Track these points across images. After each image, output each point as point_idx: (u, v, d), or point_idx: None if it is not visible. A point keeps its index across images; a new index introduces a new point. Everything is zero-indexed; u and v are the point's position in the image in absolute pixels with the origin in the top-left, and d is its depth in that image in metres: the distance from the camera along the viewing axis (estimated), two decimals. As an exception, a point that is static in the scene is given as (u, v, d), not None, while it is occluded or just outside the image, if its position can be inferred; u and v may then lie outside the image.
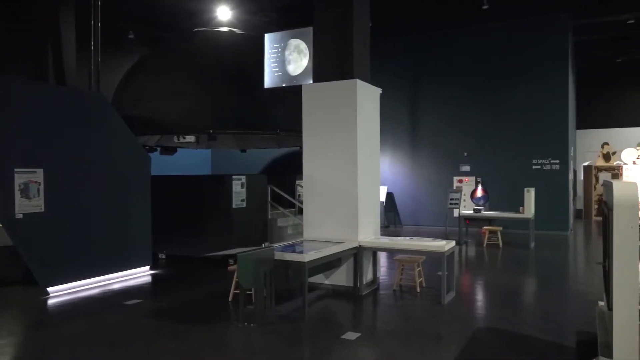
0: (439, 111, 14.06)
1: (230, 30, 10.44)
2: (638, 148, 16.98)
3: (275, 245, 5.97)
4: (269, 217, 9.55)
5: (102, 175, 7.20)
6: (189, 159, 13.92)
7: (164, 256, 9.10)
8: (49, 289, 6.46)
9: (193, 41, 10.00)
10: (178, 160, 12.40)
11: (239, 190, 8.82)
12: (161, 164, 10.66)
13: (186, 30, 10.84)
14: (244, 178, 8.98)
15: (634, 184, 2.92)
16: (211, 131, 8.99)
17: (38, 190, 6.34)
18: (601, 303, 4.65)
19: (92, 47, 7.83)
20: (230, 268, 6.40)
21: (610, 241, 3.00)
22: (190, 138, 9.14)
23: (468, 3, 11.93)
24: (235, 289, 6.06)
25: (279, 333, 4.89)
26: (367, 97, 6.77)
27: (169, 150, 10.45)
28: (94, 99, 7.41)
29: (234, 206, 8.70)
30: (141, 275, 7.70)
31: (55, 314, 5.74)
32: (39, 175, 6.35)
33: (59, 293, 6.51)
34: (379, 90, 7.17)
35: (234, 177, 8.78)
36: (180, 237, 9.01)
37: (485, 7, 11.47)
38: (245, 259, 5.03)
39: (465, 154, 13.63)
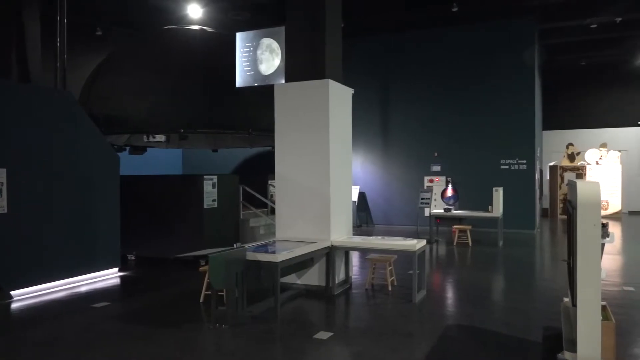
0: (410, 112, 14.22)
1: (202, 29, 10.32)
2: (601, 148, 17.54)
3: (247, 245, 5.93)
4: (241, 217, 9.48)
5: (69, 175, 7.02)
6: (160, 158, 13.70)
7: (133, 257, 8.94)
8: (13, 293, 6.26)
9: (163, 39, 9.85)
10: (148, 160, 12.19)
11: (210, 190, 8.73)
12: (130, 164, 10.45)
13: (156, 27, 10.67)
14: (215, 178, 8.89)
15: (597, 184, 3.01)
16: (182, 130, 8.87)
17: (1, 190, 6.14)
18: (566, 299, 4.78)
19: (58, 44, 7.62)
20: (201, 269, 6.33)
21: (575, 239, 3.09)
22: (161, 137, 9.00)
23: (438, 5, 12.11)
24: (207, 289, 5.99)
25: (251, 334, 4.86)
26: (339, 97, 6.79)
27: (139, 149, 10.26)
28: (60, 97, 7.21)
29: (205, 206, 8.60)
30: (109, 277, 7.54)
31: (19, 318, 5.57)
32: (1, 175, 6.15)
33: (23, 297, 6.32)
34: (351, 91, 7.20)
35: (205, 177, 8.69)
36: (150, 238, 8.87)
37: (454, 9, 11.68)
38: (217, 260, 4.98)
39: (436, 154, 13.83)
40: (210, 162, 14.01)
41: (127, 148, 10.36)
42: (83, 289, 6.82)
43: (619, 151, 17.66)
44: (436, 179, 13.67)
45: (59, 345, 4.60)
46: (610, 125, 18.62)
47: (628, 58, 17.76)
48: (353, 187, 9.76)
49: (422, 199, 11.18)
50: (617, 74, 18.53)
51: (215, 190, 8.84)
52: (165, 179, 9.86)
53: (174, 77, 9.08)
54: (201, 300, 6.02)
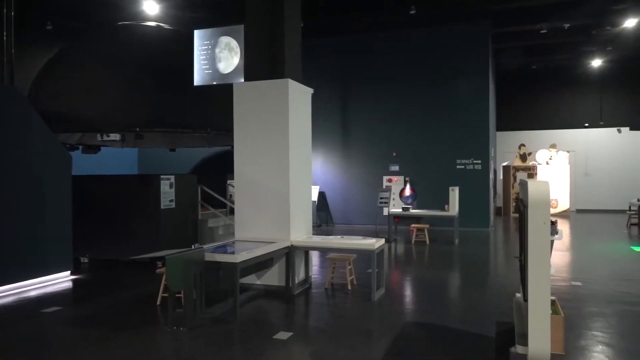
0: (369, 112, 14.38)
1: (158, 25, 10.10)
2: (551, 149, 18.24)
3: (205, 246, 5.85)
4: (199, 217, 9.34)
5: (17, 175, 6.72)
6: (115, 158, 13.31)
7: (86, 260, 8.65)
8: (-45, 299, 5.95)
9: (117, 35, 9.57)
10: (102, 160, 11.83)
11: (167, 190, 8.55)
12: (84, 164, 10.11)
13: (110, 23, 10.35)
14: (172, 178, 8.72)
15: (547, 183, 3.13)
16: (138, 129, 8.65)
17: (-58, 191, 5.81)
18: (518, 295, 4.94)
19: (5, 38, 7.28)
20: (158, 271, 6.20)
21: (526, 236, 3.20)
22: (115, 136, 8.74)
23: (396, 7, 12.30)
24: (164, 292, 5.87)
25: (210, 336, 4.79)
26: (298, 96, 6.79)
27: (92, 148, 9.93)
28: (7, 93, 6.89)
29: (162, 207, 8.42)
30: (61, 280, 7.27)
31: (-37, 325, 5.29)
32: (-58, 175, 5.83)
33: (-33, 303, 6.02)
34: (310, 91, 7.22)
35: (162, 177, 8.51)
36: (105, 240, 8.60)
37: (412, 12, 11.88)
38: (174, 261, 4.88)
39: (395, 154, 14.04)
40: (168, 162, 13.72)
41: (80, 147, 10.01)
42: (33, 293, 6.55)
43: (568, 152, 18.43)
44: (395, 178, 13.88)
45: (8, 354, 4.39)
46: (560, 126, 19.42)
47: (576, 63, 18.57)
48: (313, 186, 9.77)
49: (381, 198, 11.33)
50: (566, 78, 19.33)
51: (173, 190, 8.66)
52: (120, 178, 9.58)
53: (129, 75, 8.84)
54: (158, 302, 5.89)
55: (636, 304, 5.85)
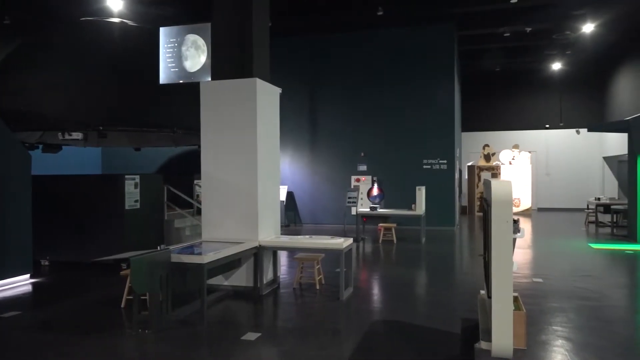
0: (337, 112, 14.45)
1: (122, 22, 9.87)
2: (513, 149, 18.73)
3: (172, 247, 5.76)
4: (166, 218, 9.18)
5: (-28, 175, 6.47)
6: (77, 157, 12.96)
7: (47, 263, 8.39)
8: None
9: (80, 30, 9.31)
10: (64, 159, 11.49)
11: (132, 190, 8.38)
12: (45, 163, 9.81)
13: (72, 18, 10.06)
14: (137, 178, 8.54)
15: (509, 182, 3.21)
16: (101, 128, 8.43)
17: None
18: (482, 291, 5.06)
19: (-41, 32, 6.98)
20: (122, 273, 6.07)
21: (489, 235, 3.28)
22: (77, 135, 8.50)
23: (364, 8, 12.40)
24: (128, 294, 5.75)
25: (177, 338, 4.72)
26: (266, 96, 6.77)
27: (53, 148, 9.63)
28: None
29: (127, 207, 8.25)
30: (20, 284, 7.03)
31: None
32: None
33: None
34: (278, 90, 7.20)
35: (126, 176, 8.33)
36: (66, 242, 8.36)
37: (380, 13, 12.00)
38: (139, 263, 4.79)
39: (362, 154, 14.14)
40: (133, 162, 13.45)
41: (40, 146, 9.70)
42: (-11, 298, 6.32)
43: (530, 152, 18.96)
44: (362, 178, 13.98)
45: (-39, 360, 4.23)
46: (522, 127, 19.97)
47: (537, 66, 19.13)
48: (281, 186, 9.73)
49: (349, 198, 11.40)
50: (528, 80, 19.89)
51: (138, 190, 8.49)
52: (83, 178, 9.33)
53: (92, 72, 8.62)
54: (122, 305, 5.77)
55: (593, 299, 6.07)
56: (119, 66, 8.70)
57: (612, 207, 13.00)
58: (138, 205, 8.49)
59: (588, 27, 13.89)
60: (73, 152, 12.17)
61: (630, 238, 11.15)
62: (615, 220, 13.00)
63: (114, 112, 8.56)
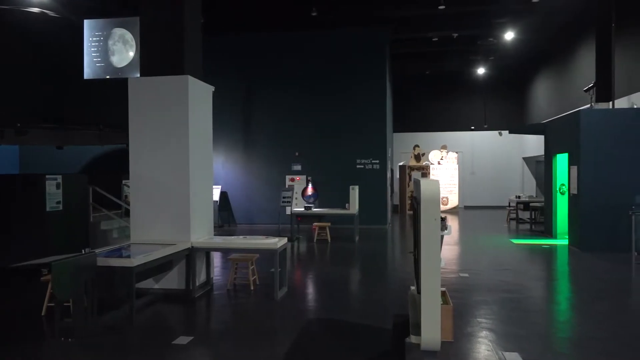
0: (271, 111, 14.39)
1: (42, 12, 9.29)
2: (442, 150, 19.48)
3: (98, 250, 5.50)
4: (91, 220, 8.75)
5: None
6: (-10, 156, 12.06)
7: (-44, 270, 7.74)
8: None
9: (-6, 20, 8.68)
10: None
11: (54, 191, 7.91)
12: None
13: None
14: (60, 178, 8.07)
15: (437, 181, 3.33)
16: (19, 125, 7.90)
17: None
18: (412, 287, 5.22)
19: None
20: (43, 278, 5.71)
21: (419, 232, 3.39)
22: (-8, 132, 7.93)
23: (299, 8, 12.43)
24: (50, 301, 5.43)
25: (103, 346, 4.51)
26: (199, 94, 6.62)
27: (-37, 145, 8.92)
28: None
29: (48, 209, 7.78)
30: None
31: None
32: None
33: None
34: (211, 88, 7.06)
35: (47, 176, 7.85)
36: (-21, 247, 7.76)
37: (314, 14, 12.08)
38: (61, 268, 4.53)
39: (297, 153, 14.17)
40: (55, 161, 12.69)
41: (-52, 143, 8.95)
42: None
43: (457, 152, 19.81)
44: (297, 178, 14.02)
45: None
46: (450, 129, 20.84)
47: (464, 70, 20.03)
48: (214, 186, 9.54)
49: (284, 197, 11.39)
50: (456, 84, 20.78)
51: (60, 191, 8.03)
52: (-2, 179, 8.71)
53: (9, 65, 8.05)
54: (43, 313, 5.44)
55: (514, 292, 6.44)
56: (39, 59, 8.19)
57: (531, 204, 13.85)
58: (61, 207, 8.03)
59: (509, 35, 14.72)
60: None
61: (547, 233, 11.94)
62: (533, 217, 13.86)
63: (34, 109, 8.04)
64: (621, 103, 11.10)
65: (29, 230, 7.76)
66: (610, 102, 10.88)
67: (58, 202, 8.00)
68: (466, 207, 20.34)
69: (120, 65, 7.29)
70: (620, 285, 6.90)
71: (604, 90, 10.99)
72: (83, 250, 5.21)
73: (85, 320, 4.84)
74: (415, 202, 3.91)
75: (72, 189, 8.29)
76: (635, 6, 10.82)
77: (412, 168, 18.82)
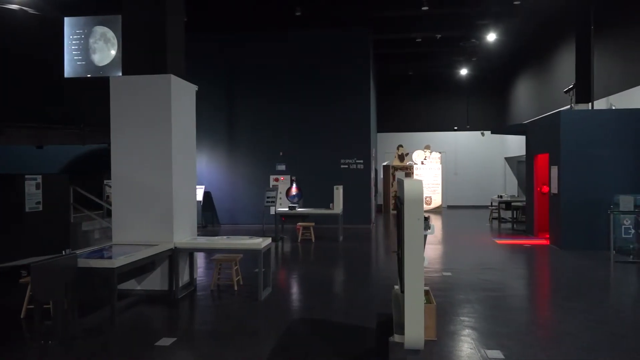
0: (256, 111, 14.35)
1: (21, 9, 9.13)
2: (425, 150, 19.62)
3: (79, 251, 5.42)
4: (72, 221, 8.63)
5: None
6: (-33, 155, 11.81)
7: None
8: None
9: (-29, 17, 8.50)
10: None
11: (33, 191, 7.78)
12: None
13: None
14: (39, 178, 7.94)
15: (420, 181, 3.36)
16: (-4, 124, 7.77)
17: None
18: (396, 287, 5.25)
19: None
20: (22, 280, 5.62)
21: (402, 232, 3.41)
22: (-32, 131, 7.77)
23: (283, 8, 12.42)
24: (29, 303, 5.34)
25: (83, 348, 4.45)
26: (182, 93, 6.57)
27: (-61, 144, 8.72)
28: None
29: (27, 210, 7.64)
30: None
31: None
32: None
33: None
34: (195, 87, 7.01)
35: (27, 176, 7.71)
36: (-45, 248, 7.59)
37: (297, 13, 12.07)
38: (41, 269, 4.46)
39: (281, 153, 14.15)
40: (35, 160, 12.47)
41: None
42: None
43: (440, 153, 19.97)
44: (281, 177, 14.00)
45: None
46: (433, 129, 21.00)
47: (447, 71, 20.21)
48: (198, 186, 9.47)
49: (268, 197, 11.36)
50: (438, 85, 20.96)
51: (40, 191, 7.90)
52: (-25, 179, 8.53)
53: (-14, 62, 7.91)
54: (22, 315, 5.34)
55: (496, 290, 6.51)
56: (18, 57, 8.05)
57: (513, 204, 14.02)
58: (40, 207, 7.90)
59: (491, 37, 14.88)
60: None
61: (528, 232, 12.10)
62: (515, 216, 14.04)
63: (12, 107, 7.90)
64: (600, 104, 11.30)
65: (8, 231, 7.62)
66: (590, 103, 11.08)
67: (38, 203, 7.87)
68: (449, 207, 20.52)
69: (102, 64, 7.20)
70: (599, 282, 7.03)
71: (584, 91, 11.19)
72: (63, 251, 5.13)
73: (65, 322, 4.77)
74: (399, 201, 3.94)
75: (53, 189, 8.16)
76: (613, 9, 11.03)
77: (395, 168, 18.91)
